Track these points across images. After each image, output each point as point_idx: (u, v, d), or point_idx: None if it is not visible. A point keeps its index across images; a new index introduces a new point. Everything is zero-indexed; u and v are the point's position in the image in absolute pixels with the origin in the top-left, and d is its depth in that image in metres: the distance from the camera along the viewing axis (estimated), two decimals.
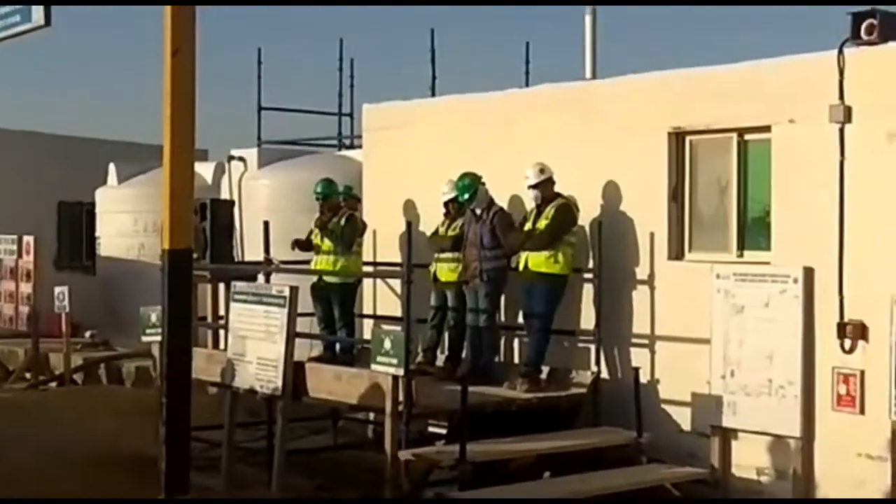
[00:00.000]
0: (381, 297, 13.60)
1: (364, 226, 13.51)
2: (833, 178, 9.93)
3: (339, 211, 13.41)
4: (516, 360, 12.31)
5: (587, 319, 11.64)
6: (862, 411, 9.81)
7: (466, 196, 11.97)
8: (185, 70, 8.70)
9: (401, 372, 9.85)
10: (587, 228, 11.64)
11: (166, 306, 9.11)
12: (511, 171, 11.94)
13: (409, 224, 10.79)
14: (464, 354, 12.20)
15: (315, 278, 13.31)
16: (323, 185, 13.57)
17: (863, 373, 9.81)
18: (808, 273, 10.13)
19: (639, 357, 11.33)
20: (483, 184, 11.95)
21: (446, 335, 12.48)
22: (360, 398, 10.54)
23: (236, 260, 14.96)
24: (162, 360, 9.38)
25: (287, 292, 10.45)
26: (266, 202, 16.89)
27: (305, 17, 42.00)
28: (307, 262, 13.51)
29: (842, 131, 9.90)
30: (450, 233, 12.37)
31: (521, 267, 11.60)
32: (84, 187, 21.66)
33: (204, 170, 18.56)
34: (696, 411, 10.87)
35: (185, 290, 9.25)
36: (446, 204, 12.45)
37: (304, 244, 13.60)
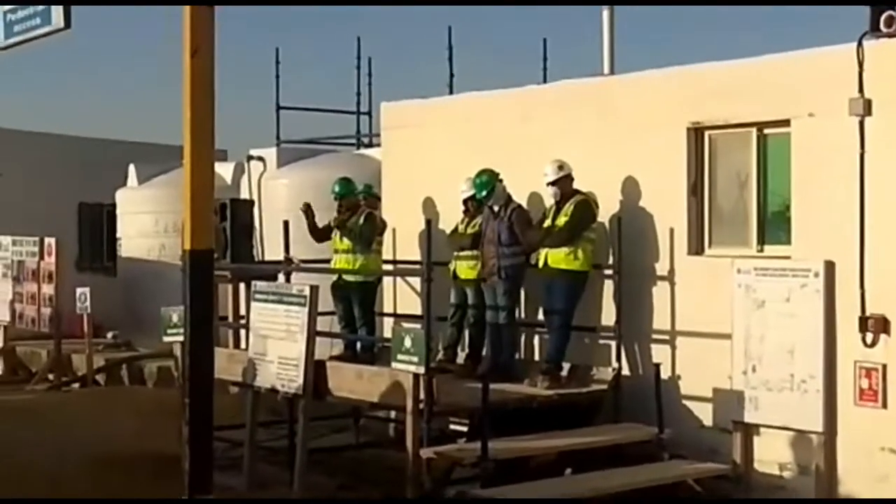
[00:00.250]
0: (402, 296, 13.61)
1: (384, 224, 13.51)
2: (853, 171, 9.88)
3: (358, 210, 13.42)
4: (537, 357, 12.30)
5: (608, 316, 11.62)
6: (884, 405, 9.76)
7: (484, 193, 11.96)
8: (205, 70, 8.69)
9: (421, 370, 9.85)
10: (606, 224, 11.62)
11: (188, 307, 9.12)
12: (530, 168, 11.93)
13: (428, 222, 10.78)
14: (484, 352, 12.20)
15: (335, 277, 13.32)
16: (341, 185, 13.56)
17: (885, 367, 9.76)
18: (829, 267, 10.08)
19: (660, 353, 11.30)
20: (501, 181, 11.94)
21: (466, 333, 12.48)
22: (382, 396, 10.55)
23: (256, 259, 14.99)
24: (184, 360, 9.39)
25: (307, 291, 10.47)
26: (286, 201, 16.89)
27: (322, 16, 42.04)
28: (327, 261, 13.53)
29: (862, 124, 9.85)
30: (469, 230, 12.37)
31: (541, 264, 11.59)
32: (104, 188, 21.73)
33: (223, 170, 18.60)
34: (718, 407, 10.83)
35: (207, 290, 9.26)
36: (465, 202, 12.45)
37: (315, 225, 13.55)
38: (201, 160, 8.99)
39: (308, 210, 13.58)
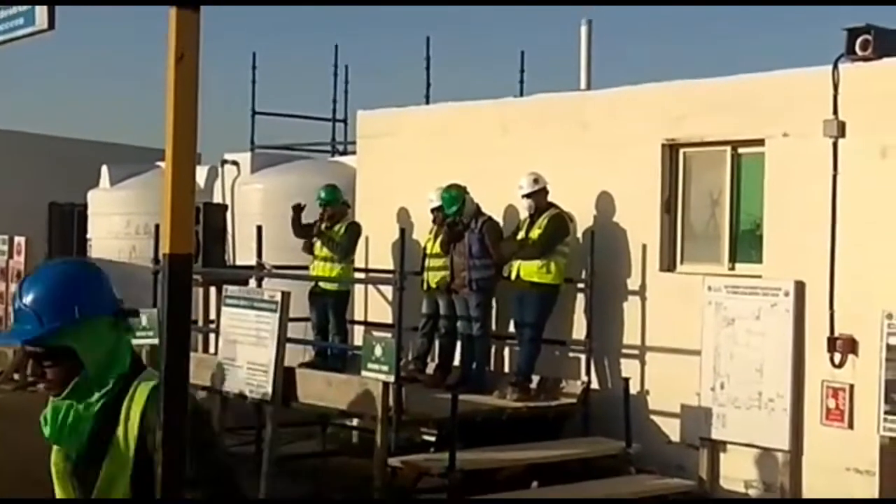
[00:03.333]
0: (373, 304, 13.59)
1: (358, 233, 13.43)
2: (826, 192, 9.96)
3: (340, 218, 13.32)
4: (507, 369, 12.31)
5: (578, 329, 11.65)
6: (851, 426, 9.83)
7: (454, 208, 11.92)
8: (190, 76, 8.62)
9: (391, 379, 9.85)
10: (580, 239, 11.65)
11: (166, 312, 9.03)
12: (505, 180, 11.94)
13: (402, 231, 10.78)
14: (455, 363, 12.18)
15: (312, 284, 13.27)
16: (327, 192, 13.37)
17: (852, 387, 9.84)
18: (800, 287, 10.15)
19: (629, 368, 11.33)
20: (467, 194, 11.93)
21: (437, 343, 12.47)
22: (351, 404, 10.53)
23: (228, 264, 14.94)
24: (161, 364, 9.31)
25: (279, 297, 10.44)
26: (259, 207, 16.84)
27: (301, 23, 42.05)
28: (299, 267, 13.48)
29: (835, 146, 9.93)
30: (437, 244, 12.27)
31: (513, 276, 11.60)
32: (76, 189, 21.60)
33: (197, 173, 18.49)
34: (686, 423, 10.88)
35: (186, 295, 9.16)
36: (433, 211, 12.38)
37: (300, 220, 13.47)
38: (183, 164, 8.86)
39: (298, 210, 13.46)
